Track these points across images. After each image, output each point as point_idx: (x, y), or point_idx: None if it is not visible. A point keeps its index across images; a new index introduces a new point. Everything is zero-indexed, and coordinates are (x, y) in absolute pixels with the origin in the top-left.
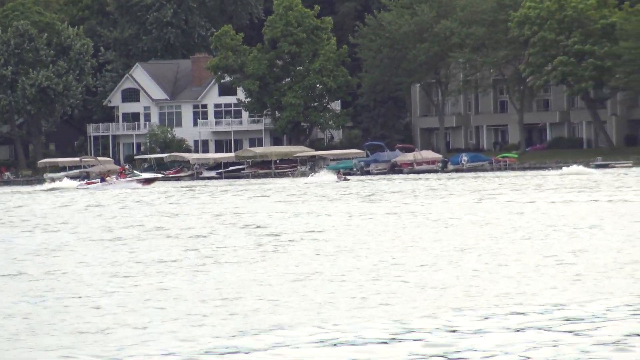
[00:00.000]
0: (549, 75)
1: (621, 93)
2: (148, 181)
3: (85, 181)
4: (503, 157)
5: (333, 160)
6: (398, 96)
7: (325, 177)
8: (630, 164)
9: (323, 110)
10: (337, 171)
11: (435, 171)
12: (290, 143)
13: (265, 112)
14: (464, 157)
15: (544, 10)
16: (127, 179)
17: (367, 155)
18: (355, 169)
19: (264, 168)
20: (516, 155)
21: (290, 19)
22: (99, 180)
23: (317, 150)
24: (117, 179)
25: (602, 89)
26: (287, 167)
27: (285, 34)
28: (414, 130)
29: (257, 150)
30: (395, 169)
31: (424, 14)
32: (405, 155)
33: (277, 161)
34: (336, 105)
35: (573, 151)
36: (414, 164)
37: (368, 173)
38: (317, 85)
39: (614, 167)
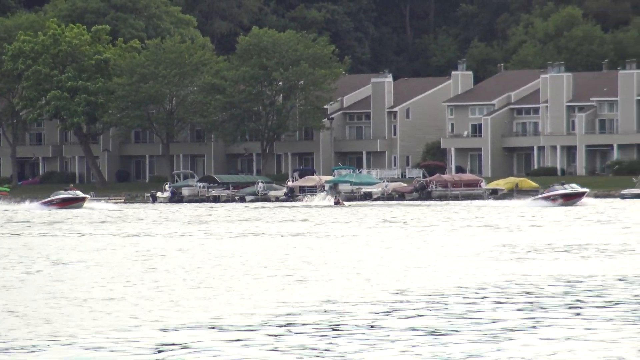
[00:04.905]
0: (42, 109)
1: (114, 129)
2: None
3: None
4: None
5: None
6: None
7: (322, 201)
8: (122, 200)
9: None
10: (334, 196)
11: None
12: None
13: None
14: None
15: (39, 45)
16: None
17: None
18: None
19: None
20: (8, 189)
21: None
22: None
23: None
24: None
25: (95, 124)
26: None
27: None
28: None
29: None
30: None
31: None
32: None
33: None
34: None
35: (66, 185)
36: None
37: None
38: None
39: (107, 202)
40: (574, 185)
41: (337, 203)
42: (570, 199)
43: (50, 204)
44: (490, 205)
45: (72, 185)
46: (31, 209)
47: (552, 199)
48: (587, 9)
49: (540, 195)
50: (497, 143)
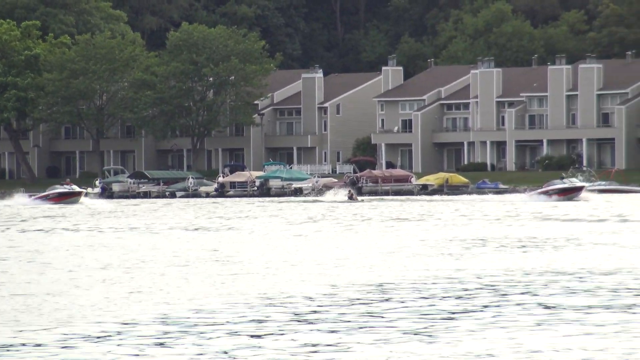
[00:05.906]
0: None
1: (44, 124)
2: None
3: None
4: None
5: None
6: None
7: (335, 196)
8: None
9: None
10: (348, 191)
11: None
12: None
13: None
14: None
15: None
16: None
17: None
18: None
19: None
20: None
21: None
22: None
23: None
24: None
25: (25, 120)
26: None
27: None
28: None
29: None
30: None
31: None
32: None
33: None
34: None
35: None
36: None
37: None
38: None
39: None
40: (573, 179)
41: (350, 198)
42: (569, 194)
43: (46, 198)
44: (492, 200)
45: (68, 179)
46: (27, 204)
47: (550, 193)
48: (516, 5)
49: (538, 190)
50: (427, 138)
